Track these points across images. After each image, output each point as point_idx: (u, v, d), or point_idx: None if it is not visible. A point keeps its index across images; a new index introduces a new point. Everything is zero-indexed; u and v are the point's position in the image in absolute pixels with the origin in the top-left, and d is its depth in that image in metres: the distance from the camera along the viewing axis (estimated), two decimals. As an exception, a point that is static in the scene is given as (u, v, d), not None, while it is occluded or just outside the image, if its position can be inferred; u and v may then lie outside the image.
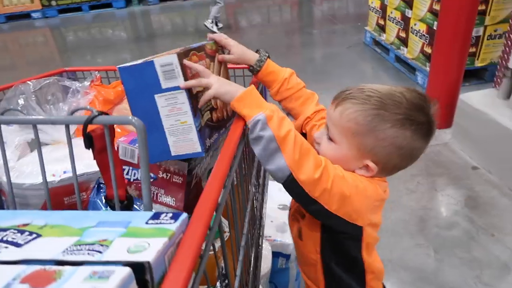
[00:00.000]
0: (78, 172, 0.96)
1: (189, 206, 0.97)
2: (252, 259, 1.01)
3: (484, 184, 2.34)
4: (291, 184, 0.73)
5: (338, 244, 0.87)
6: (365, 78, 3.82)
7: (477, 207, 2.19)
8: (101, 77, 1.32)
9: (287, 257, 1.48)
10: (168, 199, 0.95)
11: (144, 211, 0.52)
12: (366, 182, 0.81)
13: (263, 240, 1.34)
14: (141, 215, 0.50)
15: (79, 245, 0.44)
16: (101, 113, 0.50)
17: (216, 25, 5.62)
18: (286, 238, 1.49)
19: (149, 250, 0.43)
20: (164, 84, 0.76)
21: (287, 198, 1.68)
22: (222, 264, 0.68)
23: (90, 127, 0.56)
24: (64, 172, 0.95)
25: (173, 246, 0.46)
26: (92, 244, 0.44)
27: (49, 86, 0.99)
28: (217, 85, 0.78)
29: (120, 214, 0.52)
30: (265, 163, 0.75)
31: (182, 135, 0.79)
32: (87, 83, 1.20)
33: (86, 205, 0.96)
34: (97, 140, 0.52)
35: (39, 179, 0.94)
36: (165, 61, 0.74)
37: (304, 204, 0.80)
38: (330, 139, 0.84)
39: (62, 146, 1.03)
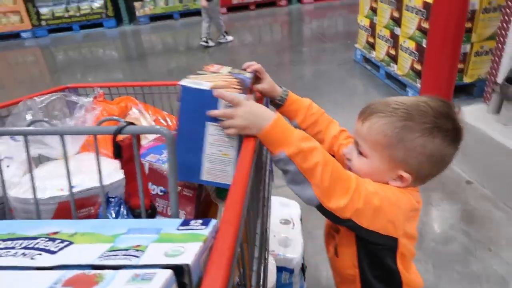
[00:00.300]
0: (86, 186, 0.96)
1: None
2: (262, 273, 1.00)
3: (479, 198, 2.38)
4: (321, 209, 0.76)
5: (375, 256, 0.87)
6: (356, 95, 3.89)
7: (473, 221, 2.22)
8: (104, 93, 1.33)
9: (290, 271, 1.48)
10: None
11: (172, 219, 0.52)
12: (398, 193, 0.82)
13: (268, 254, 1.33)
14: (170, 222, 0.50)
15: (114, 251, 0.44)
16: (130, 123, 0.51)
17: (207, 42, 5.78)
18: (289, 253, 1.49)
19: (186, 254, 0.43)
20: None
21: (288, 213, 1.69)
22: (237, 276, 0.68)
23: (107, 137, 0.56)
24: (73, 187, 0.94)
25: (207, 250, 0.46)
26: (127, 249, 0.45)
27: (55, 101, 0.99)
28: (240, 119, 0.75)
29: (149, 222, 0.52)
30: (294, 189, 0.77)
31: (219, 165, 0.80)
32: (90, 99, 1.20)
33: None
34: (125, 150, 0.53)
35: (47, 194, 0.93)
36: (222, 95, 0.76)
37: (337, 223, 0.82)
38: (361, 154, 0.86)
39: (69, 160, 1.02)
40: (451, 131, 0.82)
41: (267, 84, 1.03)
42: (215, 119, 0.77)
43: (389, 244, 0.84)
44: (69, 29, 7.39)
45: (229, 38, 5.96)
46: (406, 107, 0.82)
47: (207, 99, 0.76)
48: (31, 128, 0.54)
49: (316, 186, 0.73)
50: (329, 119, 1.06)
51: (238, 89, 0.79)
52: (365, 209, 0.75)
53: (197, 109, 0.77)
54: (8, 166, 0.93)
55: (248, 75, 0.97)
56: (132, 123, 0.51)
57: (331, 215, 0.76)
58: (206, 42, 5.82)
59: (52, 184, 0.94)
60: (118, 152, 0.53)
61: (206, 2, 5.45)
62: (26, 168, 1.03)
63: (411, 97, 0.86)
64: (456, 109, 0.85)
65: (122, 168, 0.56)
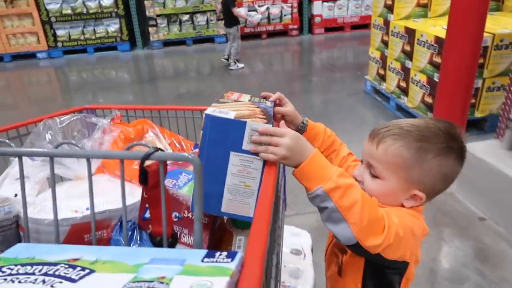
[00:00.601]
0: (100, 209, 0.95)
1: (212, 248, 0.95)
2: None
3: (492, 235, 2.32)
4: (355, 248, 0.75)
5: (381, 278, 0.87)
6: (365, 125, 3.88)
7: (486, 259, 2.15)
8: (121, 115, 1.33)
9: (300, 305, 1.43)
10: (192, 240, 0.92)
11: (196, 249, 0.50)
12: (413, 219, 0.83)
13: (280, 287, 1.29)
14: (194, 253, 0.49)
15: (138, 282, 0.43)
16: (157, 149, 0.50)
17: (227, 59, 6.07)
18: (299, 285, 1.45)
19: (213, 289, 0.41)
20: (246, 146, 0.76)
21: (299, 243, 1.65)
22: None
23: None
24: (87, 209, 0.92)
25: (233, 285, 0.44)
26: (151, 281, 0.43)
27: (75, 122, 0.99)
28: (284, 148, 0.75)
29: (171, 252, 0.50)
30: (331, 228, 0.76)
31: (240, 197, 0.78)
32: (109, 121, 1.20)
33: (106, 244, 0.93)
34: (151, 176, 0.52)
35: (61, 215, 0.91)
36: (259, 127, 0.75)
37: (363, 255, 0.83)
38: (374, 176, 0.87)
39: (84, 182, 1.01)
40: (459, 150, 0.86)
41: (291, 108, 1.04)
42: (240, 149, 0.76)
43: (400, 268, 0.86)
44: (83, 51, 7.55)
45: (240, 65, 6.06)
46: (419, 129, 0.84)
47: (233, 128, 0.75)
48: (58, 150, 0.53)
49: (354, 225, 0.72)
50: (340, 141, 1.09)
51: (262, 118, 0.78)
52: (394, 244, 0.75)
53: (221, 138, 0.75)
54: (23, 186, 0.92)
55: (268, 104, 0.96)
56: (160, 149, 0.50)
57: (363, 252, 0.75)
58: (227, 59, 6.14)
59: (66, 205, 0.93)
60: (145, 178, 0.52)
61: (231, 28, 5.84)
62: (41, 188, 1.02)
63: (418, 119, 0.89)
64: (458, 128, 0.89)
65: (146, 194, 0.55)
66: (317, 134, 1.06)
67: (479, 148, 2.57)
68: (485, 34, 2.77)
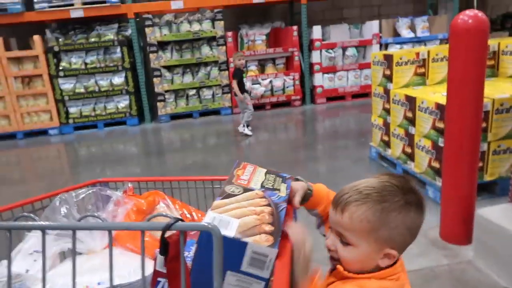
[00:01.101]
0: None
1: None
2: None
3: (518, 304, 2.19)
4: None
5: None
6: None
7: (515, 330, 2.02)
8: (134, 188, 1.34)
9: None
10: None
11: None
12: None
13: None
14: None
15: None
16: (178, 219, 0.50)
17: (248, 127, 6.26)
18: None
19: None
20: (245, 267, 0.70)
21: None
22: None
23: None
24: (98, 284, 0.90)
25: None
26: None
27: (90, 196, 1.00)
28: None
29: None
30: None
31: None
32: (121, 194, 1.21)
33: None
34: (172, 247, 0.51)
35: (72, 292, 0.89)
36: (261, 250, 0.69)
37: None
38: (346, 243, 0.90)
39: (95, 256, 1.00)
40: (418, 202, 0.91)
41: (301, 190, 1.08)
42: (238, 269, 0.69)
43: None
44: (94, 126, 7.77)
45: (248, 132, 6.22)
46: (377, 190, 0.89)
47: (232, 246, 0.67)
48: (81, 223, 0.54)
49: None
50: None
51: (269, 226, 0.72)
52: None
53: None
54: (35, 261, 0.91)
55: (283, 190, 0.93)
56: (181, 219, 0.50)
57: None
58: (245, 127, 6.33)
59: (78, 280, 0.91)
60: (166, 249, 0.51)
61: (241, 96, 6.16)
62: (52, 263, 1.00)
63: (372, 179, 0.93)
64: (411, 180, 0.95)
65: (163, 267, 0.54)
66: (321, 199, 1.12)
67: (494, 214, 2.52)
68: (485, 99, 2.86)
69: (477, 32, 2.50)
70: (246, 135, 6.23)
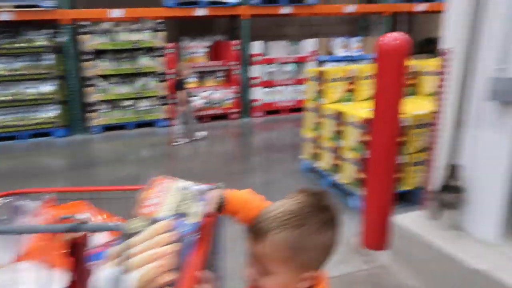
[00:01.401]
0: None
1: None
2: None
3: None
4: None
5: None
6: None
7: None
8: (56, 199, 1.28)
9: None
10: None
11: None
12: None
13: None
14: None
15: None
16: (84, 221, 0.50)
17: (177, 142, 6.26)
18: None
19: None
20: None
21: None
22: None
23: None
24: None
25: None
26: None
27: (4, 207, 0.95)
28: None
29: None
30: None
31: None
32: (38, 205, 1.16)
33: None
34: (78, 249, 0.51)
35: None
36: None
37: None
38: (265, 272, 0.87)
39: (2, 271, 0.94)
40: (334, 219, 0.91)
41: (216, 199, 1.06)
42: None
43: None
44: (14, 137, 7.20)
45: (203, 133, 6.56)
46: (295, 213, 0.87)
47: None
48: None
49: None
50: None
51: (172, 271, 0.67)
52: None
53: None
54: None
55: (195, 214, 0.88)
56: (85, 222, 0.51)
57: None
58: (177, 142, 6.34)
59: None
60: (74, 250, 0.51)
61: (183, 107, 6.21)
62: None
63: (289, 202, 0.91)
64: (327, 196, 0.93)
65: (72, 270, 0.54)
66: (238, 206, 1.09)
67: (407, 221, 2.73)
68: (405, 115, 3.11)
69: (397, 53, 2.72)
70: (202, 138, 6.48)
